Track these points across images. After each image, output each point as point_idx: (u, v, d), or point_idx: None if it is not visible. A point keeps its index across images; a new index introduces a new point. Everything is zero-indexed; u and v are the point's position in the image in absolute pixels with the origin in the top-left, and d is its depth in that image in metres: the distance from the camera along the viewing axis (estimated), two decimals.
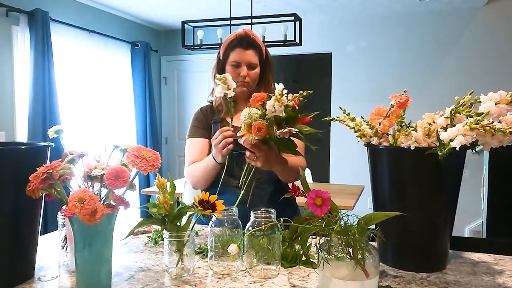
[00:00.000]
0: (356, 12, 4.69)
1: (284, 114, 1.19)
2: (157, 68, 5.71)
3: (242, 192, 1.30)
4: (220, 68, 1.60)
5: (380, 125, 1.07)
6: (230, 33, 3.52)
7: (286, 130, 1.17)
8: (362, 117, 1.15)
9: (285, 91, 1.21)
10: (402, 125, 1.07)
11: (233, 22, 3.49)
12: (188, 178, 1.61)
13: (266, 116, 1.19)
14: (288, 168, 1.44)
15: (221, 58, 1.60)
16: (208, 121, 1.63)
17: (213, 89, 1.65)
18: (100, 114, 4.57)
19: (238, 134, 1.25)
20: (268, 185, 1.53)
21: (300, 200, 1.17)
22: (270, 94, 1.22)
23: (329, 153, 4.98)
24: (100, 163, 0.93)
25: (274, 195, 1.51)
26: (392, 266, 1.06)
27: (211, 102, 1.68)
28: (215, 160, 1.42)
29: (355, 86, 4.85)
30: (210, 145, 1.58)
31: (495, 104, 0.95)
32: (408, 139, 0.99)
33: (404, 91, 1.09)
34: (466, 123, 0.94)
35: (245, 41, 1.55)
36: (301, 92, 1.22)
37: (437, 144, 0.96)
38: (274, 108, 1.18)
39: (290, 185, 1.17)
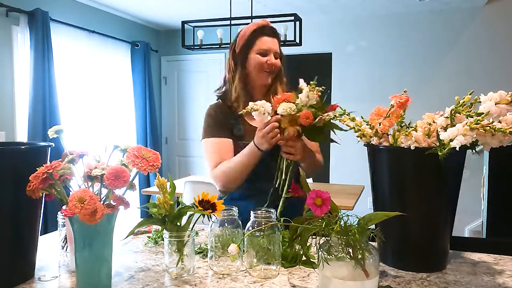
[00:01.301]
0: (356, 12, 4.69)
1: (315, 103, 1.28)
2: (157, 68, 5.71)
3: (282, 194, 1.31)
4: (242, 58, 1.55)
5: (380, 125, 1.07)
6: (230, 33, 3.53)
7: (324, 116, 1.23)
8: (362, 117, 1.15)
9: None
10: (402, 125, 1.07)
11: (233, 22, 3.49)
12: (217, 179, 1.50)
13: (301, 106, 1.27)
14: (315, 160, 1.51)
15: (242, 48, 1.55)
16: (226, 120, 1.57)
17: (224, 82, 1.61)
18: (100, 114, 4.56)
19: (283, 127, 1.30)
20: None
21: None
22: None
23: (329, 153, 4.97)
24: (100, 163, 0.93)
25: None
26: (392, 266, 1.05)
27: (219, 97, 1.63)
28: (258, 148, 1.37)
29: (355, 86, 4.85)
30: (235, 146, 1.54)
31: (495, 104, 0.95)
32: (408, 139, 0.99)
33: (404, 91, 1.09)
34: (466, 123, 0.94)
35: (270, 30, 1.55)
36: (320, 88, 1.28)
37: (437, 144, 0.96)
38: (308, 97, 1.25)
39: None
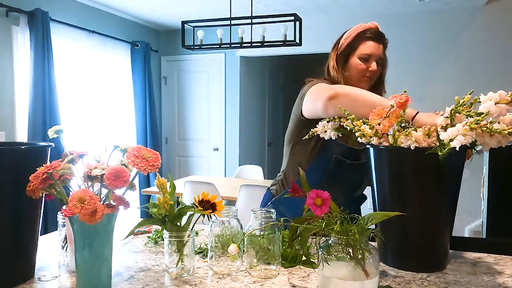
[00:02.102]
0: (356, 12, 4.69)
1: None
2: (157, 68, 5.71)
3: None
4: (343, 61, 1.53)
5: (380, 125, 1.07)
6: (230, 33, 3.53)
7: None
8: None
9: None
10: (402, 125, 1.07)
11: (233, 22, 3.48)
12: (338, 94, 1.28)
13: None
14: None
15: (344, 50, 1.53)
16: None
17: (328, 76, 1.55)
18: (100, 114, 4.57)
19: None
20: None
21: None
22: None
23: None
24: (100, 163, 0.93)
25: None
26: (392, 266, 1.06)
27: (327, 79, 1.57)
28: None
29: None
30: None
31: (495, 104, 0.95)
32: (408, 139, 0.99)
33: (404, 91, 1.09)
34: (466, 123, 0.94)
35: (377, 35, 1.50)
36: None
37: (437, 144, 0.96)
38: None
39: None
